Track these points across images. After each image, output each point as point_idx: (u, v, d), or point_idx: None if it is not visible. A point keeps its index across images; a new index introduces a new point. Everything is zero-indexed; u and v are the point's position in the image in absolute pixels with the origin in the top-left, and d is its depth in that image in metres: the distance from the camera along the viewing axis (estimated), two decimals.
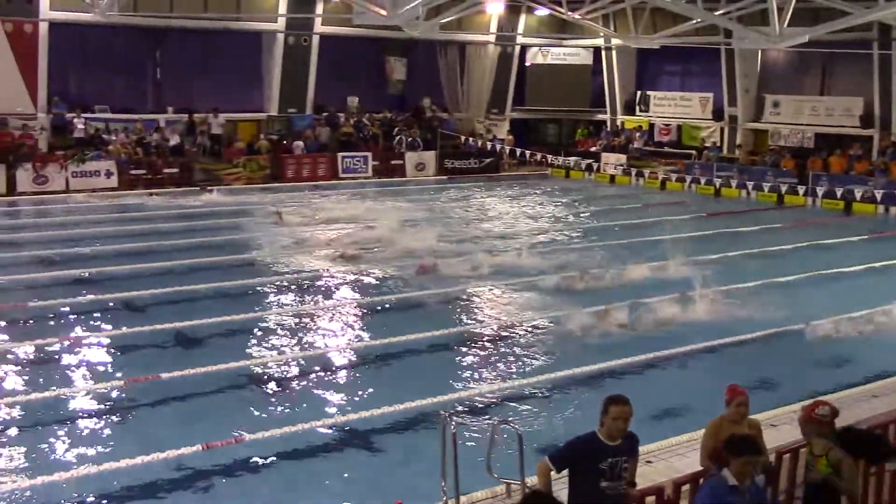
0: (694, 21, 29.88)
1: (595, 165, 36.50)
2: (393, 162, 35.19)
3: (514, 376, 12.27)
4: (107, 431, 10.38)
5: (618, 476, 6.58)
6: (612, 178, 35.62)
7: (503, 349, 13.45)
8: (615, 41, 38.02)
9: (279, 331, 14.43)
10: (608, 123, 40.52)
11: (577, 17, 33.44)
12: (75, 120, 30.81)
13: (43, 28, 29.91)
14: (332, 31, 34.77)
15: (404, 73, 38.39)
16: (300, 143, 33.78)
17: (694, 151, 36.34)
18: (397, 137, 35.88)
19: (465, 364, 12.83)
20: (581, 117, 41.40)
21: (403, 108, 38.34)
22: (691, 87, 38.52)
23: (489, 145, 37.04)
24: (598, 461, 6.52)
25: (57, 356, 12.93)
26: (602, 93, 40.67)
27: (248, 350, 13.30)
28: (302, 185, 31.78)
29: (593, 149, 38.37)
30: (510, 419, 9.38)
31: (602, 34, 37.48)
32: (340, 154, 34.03)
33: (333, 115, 35.87)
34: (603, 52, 40.08)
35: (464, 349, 13.45)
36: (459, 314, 15.46)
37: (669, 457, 9.09)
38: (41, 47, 30.00)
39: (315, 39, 34.65)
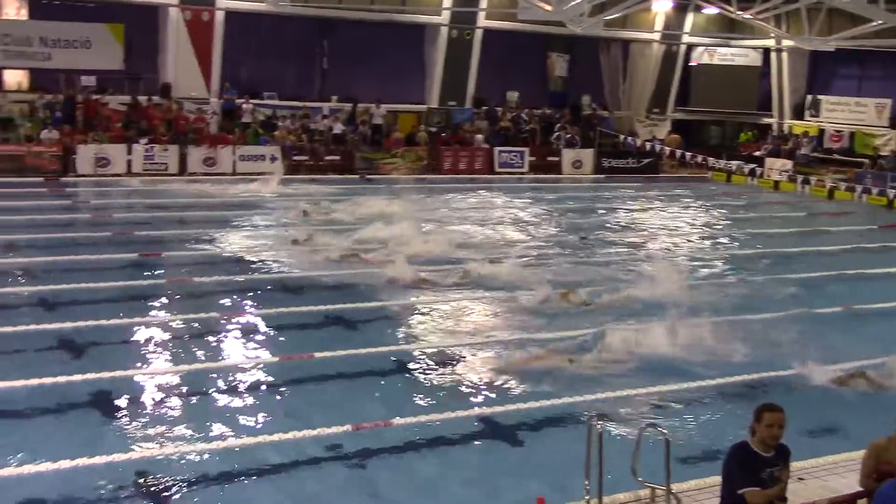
0: (874, 23, 28.50)
1: (759, 170, 35.27)
2: (549, 158, 35.01)
3: (666, 380, 11.96)
4: (259, 406, 10.69)
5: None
6: (776, 184, 34.30)
7: (654, 351, 13.14)
8: (786, 42, 36.66)
9: (430, 318, 14.56)
10: (774, 127, 39.14)
11: (747, 16, 32.48)
12: (244, 105, 32.02)
13: (219, 16, 31.23)
14: (495, 25, 34.88)
15: (566, 69, 38.21)
16: (481, 137, 34.03)
17: (867, 160, 34.68)
18: (556, 134, 35.69)
19: (614, 363, 12.57)
20: (746, 120, 40.13)
21: (563, 104, 38.10)
22: (867, 93, 36.74)
23: (648, 146, 36.37)
24: (758, 472, 6.34)
25: (216, 330, 13.46)
26: (769, 95, 39.33)
27: (398, 335, 13.49)
28: (459, 178, 32.03)
29: (757, 153, 37.09)
30: (658, 423, 9.18)
31: (773, 35, 36.20)
32: (497, 148, 34.11)
33: (493, 109, 36.00)
34: (773, 54, 38.70)
35: (611, 348, 13.20)
36: (608, 314, 15.19)
37: (825, 475, 8.70)
38: (216, 35, 31.34)
39: (478, 33, 34.84)
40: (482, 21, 34.76)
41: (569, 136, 35.39)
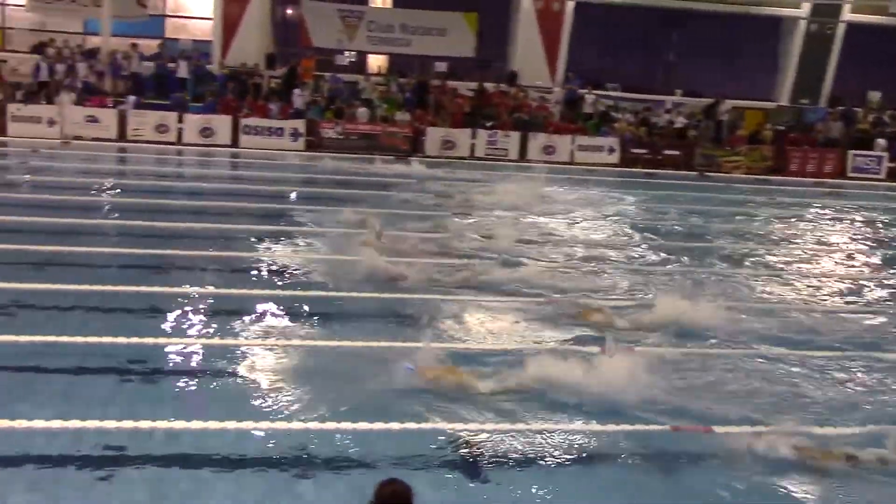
0: None
1: None
2: None
3: None
4: (578, 394, 10.42)
5: None
6: None
7: None
8: None
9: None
10: None
11: None
12: (586, 96, 32.15)
13: (569, 7, 31.61)
14: (862, 19, 32.46)
15: None
16: (882, 142, 31.95)
17: None
18: None
19: None
20: None
21: None
22: None
23: None
24: None
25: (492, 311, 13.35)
26: None
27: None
28: (805, 181, 30.15)
29: None
30: None
31: None
32: (852, 151, 31.72)
33: (850, 109, 33.54)
34: None
35: None
36: None
37: None
38: (565, 25, 31.76)
39: (840, 28, 32.60)
40: (846, 14, 32.48)
41: None
